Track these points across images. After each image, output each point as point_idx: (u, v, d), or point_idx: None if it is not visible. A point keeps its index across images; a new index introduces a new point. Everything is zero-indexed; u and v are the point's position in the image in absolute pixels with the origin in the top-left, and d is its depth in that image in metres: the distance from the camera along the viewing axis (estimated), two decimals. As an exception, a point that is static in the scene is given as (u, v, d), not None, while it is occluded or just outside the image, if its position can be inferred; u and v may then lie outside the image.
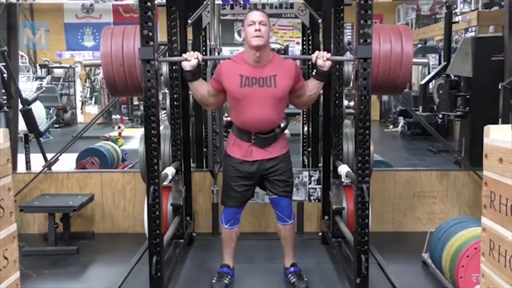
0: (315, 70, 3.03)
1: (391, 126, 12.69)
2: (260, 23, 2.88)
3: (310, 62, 5.02)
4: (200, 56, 2.93)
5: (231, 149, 3.13)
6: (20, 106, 4.70)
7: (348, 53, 4.10)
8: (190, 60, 2.90)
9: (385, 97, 13.05)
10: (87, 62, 3.54)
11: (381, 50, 2.83)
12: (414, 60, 2.95)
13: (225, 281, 3.16)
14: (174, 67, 3.74)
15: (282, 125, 3.19)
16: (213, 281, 3.17)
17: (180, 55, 3.75)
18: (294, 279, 3.18)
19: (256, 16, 2.91)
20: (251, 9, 3.14)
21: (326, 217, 4.04)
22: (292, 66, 3.05)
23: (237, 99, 2.99)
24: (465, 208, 4.29)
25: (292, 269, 3.23)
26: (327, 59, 2.94)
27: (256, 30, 2.87)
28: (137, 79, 2.81)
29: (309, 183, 4.28)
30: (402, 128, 11.55)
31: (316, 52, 2.99)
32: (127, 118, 12.65)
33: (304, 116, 5.55)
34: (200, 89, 3.04)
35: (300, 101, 3.17)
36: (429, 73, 10.63)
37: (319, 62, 2.94)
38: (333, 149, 3.82)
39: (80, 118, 14.83)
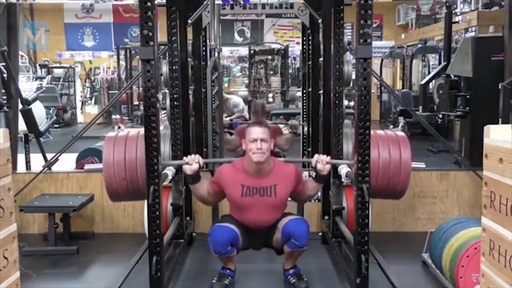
0: (314, 174, 3.12)
1: (391, 126, 12.66)
2: (262, 141, 2.97)
3: (309, 62, 5.03)
4: (201, 160, 3.03)
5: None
6: (20, 106, 4.70)
7: (348, 54, 4.10)
8: (192, 164, 2.98)
9: (385, 97, 13.05)
10: (89, 168, 3.64)
11: (380, 159, 2.90)
12: (413, 165, 3.03)
13: (225, 281, 3.16)
14: (174, 67, 3.74)
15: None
16: (214, 281, 3.17)
17: (180, 56, 3.77)
18: (294, 280, 3.19)
19: (257, 133, 2.99)
20: (253, 123, 3.26)
21: (326, 217, 4.04)
22: (292, 173, 3.13)
23: (238, 206, 3.12)
24: (465, 208, 4.29)
25: (292, 270, 3.23)
26: (327, 163, 3.02)
27: (258, 148, 2.96)
28: (138, 184, 2.86)
29: (309, 183, 4.27)
30: (402, 128, 11.53)
31: (316, 156, 3.06)
32: (127, 118, 12.63)
33: (304, 116, 5.55)
34: (201, 190, 3.15)
35: (299, 199, 3.36)
36: (429, 73, 10.63)
37: (319, 166, 3.02)
38: (333, 149, 3.82)
39: (80, 118, 14.81)
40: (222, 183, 3.11)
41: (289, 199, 3.25)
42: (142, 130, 2.99)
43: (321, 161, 3.01)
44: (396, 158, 2.92)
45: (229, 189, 3.09)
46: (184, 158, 3.06)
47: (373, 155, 2.83)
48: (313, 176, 3.16)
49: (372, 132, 2.86)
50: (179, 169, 3.78)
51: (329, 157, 3.07)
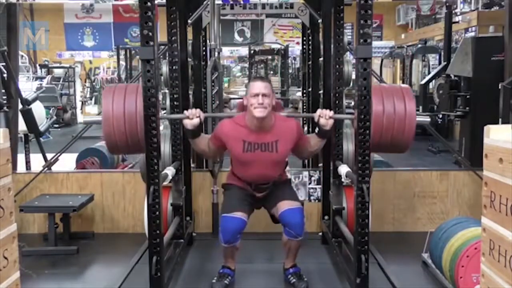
0: (317, 129, 3.07)
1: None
2: (263, 95, 2.93)
3: (309, 62, 5.03)
4: (202, 115, 2.95)
5: (231, 181, 3.23)
6: (20, 106, 4.70)
7: (348, 54, 4.10)
8: (192, 118, 2.91)
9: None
10: (88, 120, 3.58)
11: (385, 110, 2.86)
12: (418, 119, 2.99)
13: (225, 281, 3.16)
14: (174, 67, 3.74)
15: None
16: (213, 281, 3.18)
17: (180, 56, 3.77)
18: (294, 280, 3.19)
19: (259, 88, 2.96)
20: (254, 77, 3.21)
21: (326, 217, 4.04)
22: (293, 128, 3.10)
23: (240, 161, 3.10)
24: (465, 208, 4.29)
25: (292, 270, 3.23)
26: (330, 118, 2.96)
27: (259, 103, 2.92)
28: (137, 138, 2.83)
29: (309, 183, 4.28)
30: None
31: (319, 111, 3.00)
32: (127, 118, 12.61)
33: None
34: (201, 145, 3.10)
35: (301, 155, 3.32)
36: (429, 73, 10.63)
37: (322, 121, 2.96)
38: (333, 149, 3.82)
39: (80, 118, 14.81)
40: (223, 138, 3.06)
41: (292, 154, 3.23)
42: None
43: (324, 116, 2.95)
44: (400, 111, 2.85)
45: (231, 144, 3.05)
46: (185, 112, 2.98)
47: (377, 107, 2.76)
48: (316, 131, 3.10)
49: (376, 85, 2.80)
50: (179, 169, 3.79)
51: (332, 112, 3.00)
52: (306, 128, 5.49)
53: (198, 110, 2.95)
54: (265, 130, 3.03)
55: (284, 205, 3.09)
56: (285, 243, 3.17)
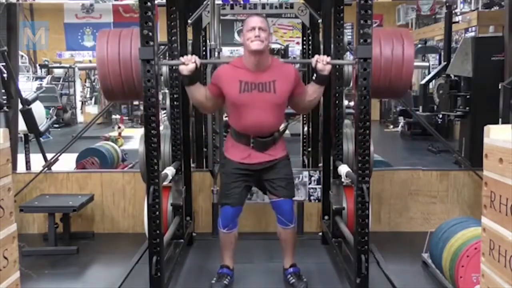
0: (315, 75, 3.01)
1: (391, 126, 12.68)
2: (260, 29, 2.89)
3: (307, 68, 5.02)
4: (198, 60, 2.89)
5: (229, 152, 3.14)
6: (20, 106, 4.70)
7: (348, 54, 4.10)
8: (188, 64, 2.86)
9: (385, 97, 13.05)
10: (82, 66, 3.56)
11: (382, 54, 2.83)
12: (416, 63, 2.95)
13: (225, 282, 3.15)
14: (174, 68, 3.74)
15: (281, 129, 3.19)
16: (213, 281, 3.16)
17: (181, 56, 3.76)
18: (293, 280, 3.18)
19: (255, 21, 2.92)
20: (250, 14, 3.14)
21: (326, 217, 4.04)
22: (291, 71, 3.06)
23: (236, 104, 3.00)
24: (465, 208, 4.29)
25: (291, 269, 3.23)
26: (327, 63, 2.92)
27: (256, 36, 2.88)
28: (133, 83, 2.79)
29: (309, 183, 4.27)
30: (402, 128, 11.55)
31: (316, 56, 2.96)
32: (127, 118, 12.65)
33: (304, 116, 5.55)
34: (198, 93, 3.01)
35: (301, 106, 3.18)
36: (429, 73, 10.63)
37: (319, 66, 2.92)
38: (333, 149, 3.82)
39: (80, 118, 14.81)
40: (220, 83, 3.00)
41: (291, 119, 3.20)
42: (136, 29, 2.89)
43: (322, 61, 2.91)
44: (398, 54, 2.83)
45: (227, 87, 2.98)
46: (180, 58, 2.93)
47: (375, 51, 2.74)
48: (314, 78, 3.05)
49: (375, 28, 2.77)
50: (179, 169, 3.79)
51: (329, 58, 2.96)
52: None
53: (194, 56, 2.91)
54: (262, 69, 2.96)
55: (276, 196, 3.10)
56: (279, 235, 3.19)
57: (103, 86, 2.82)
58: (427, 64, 3.32)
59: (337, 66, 3.77)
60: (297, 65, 5.17)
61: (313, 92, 3.04)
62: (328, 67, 2.93)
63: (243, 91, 2.95)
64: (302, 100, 3.08)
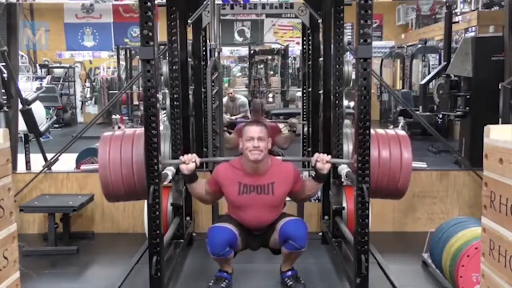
0: (314, 173, 3.08)
1: (391, 126, 12.67)
2: (259, 139, 2.95)
3: (309, 62, 5.03)
4: (198, 160, 2.99)
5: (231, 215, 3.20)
6: (20, 106, 4.70)
7: (348, 54, 4.09)
8: (188, 163, 2.95)
9: (385, 97, 13.05)
10: (85, 168, 3.66)
11: (380, 158, 2.88)
12: (414, 165, 3.00)
13: (222, 284, 3.13)
14: (174, 67, 3.74)
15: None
16: (210, 284, 3.15)
17: (180, 56, 3.77)
18: (291, 282, 3.17)
19: (254, 131, 2.98)
20: (249, 122, 3.27)
21: (326, 217, 4.04)
22: (289, 172, 3.11)
23: (235, 204, 3.10)
24: (465, 208, 4.29)
25: (289, 273, 3.21)
26: (327, 162, 2.98)
27: (254, 147, 2.94)
28: (134, 185, 2.84)
29: (309, 183, 4.26)
30: (402, 128, 11.54)
31: (316, 155, 3.03)
32: (127, 118, 12.63)
33: (304, 116, 5.54)
34: (198, 189, 3.12)
35: (298, 198, 3.32)
36: (429, 73, 10.63)
37: (318, 165, 2.98)
38: (333, 149, 3.82)
39: (80, 118, 14.81)
40: (219, 182, 3.10)
41: (288, 199, 3.23)
42: (138, 130, 2.98)
43: (321, 160, 2.98)
44: (396, 158, 2.89)
45: (227, 187, 3.08)
46: (181, 157, 3.03)
47: (373, 154, 2.82)
48: (313, 175, 3.14)
49: (372, 131, 2.85)
50: (179, 169, 3.78)
51: (329, 156, 3.04)
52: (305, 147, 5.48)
53: (194, 155, 3.00)
54: (261, 173, 3.05)
55: (284, 220, 3.07)
56: (284, 253, 3.15)
57: (104, 188, 2.88)
58: (425, 165, 3.36)
59: (337, 66, 3.77)
60: (297, 64, 5.13)
61: (311, 187, 3.14)
62: (328, 166, 3.00)
63: (242, 193, 3.04)
64: (301, 194, 3.18)
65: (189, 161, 2.96)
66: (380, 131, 3.34)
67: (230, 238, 2.99)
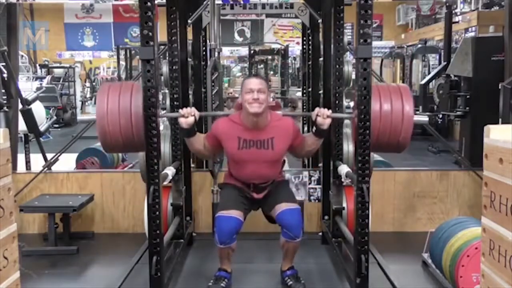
0: (314, 128, 3.04)
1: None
2: (259, 91, 2.92)
3: (309, 62, 5.03)
4: (197, 113, 2.93)
5: (228, 180, 3.19)
6: (20, 106, 4.70)
7: (348, 54, 4.09)
8: (187, 117, 2.90)
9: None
10: (82, 118, 3.61)
11: (382, 110, 2.86)
12: (415, 118, 2.98)
13: (222, 284, 3.13)
14: (174, 67, 3.74)
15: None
16: (210, 284, 3.15)
17: (180, 56, 3.77)
18: (291, 282, 3.17)
19: (254, 83, 2.95)
20: (249, 76, 3.22)
21: (326, 217, 4.04)
22: (289, 127, 3.09)
23: (235, 159, 3.08)
24: (465, 208, 4.29)
25: (289, 272, 3.21)
26: (327, 117, 2.95)
27: (254, 99, 2.91)
28: (132, 136, 2.82)
29: (309, 183, 4.28)
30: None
31: (316, 109, 2.98)
32: (127, 118, 12.60)
33: (304, 116, 5.54)
34: (197, 144, 3.07)
35: (299, 155, 3.29)
36: (429, 73, 10.63)
37: (319, 120, 2.94)
38: (333, 149, 3.82)
39: (80, 118, 14.81)
40: (218, 136, 3.05)
41: (288, 154, 3.20)
42: (136, 82, 2.92)
43: (322, 115, 2.92)
44: (398, 110, 2.84)
45: (226, 142, 3.04)
46: (180, 111, 2.97)
47: (375, 107, 2.76)
48: (313, 130, 3.07)
49: (373, 84, 2.81)
50: (179, 169, 3.79)
51: (329, 111, 2.98)
52: (306, 128, 5.49)
53: (193, 108, 2.94)
54: (261, 128, 3.01)
55: (281, 207, 3.05)
56: (283, 245, 3.15)
57: (102, 140, 2.85)
58: (426, 118, 3.32)
59: (337, 66, 3.77)
60: (297, 63, 5.12)
61: (311, 143, 3.09)
62: (328, 120, 2.95)
63: (242, 148, 3.01)
64: (301, 150, 3.15)
65: (188, 115, 2.89)
66: (382, 84, 3.24)
67: (237, 226, 3.00)
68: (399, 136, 2.85)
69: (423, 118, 3.32)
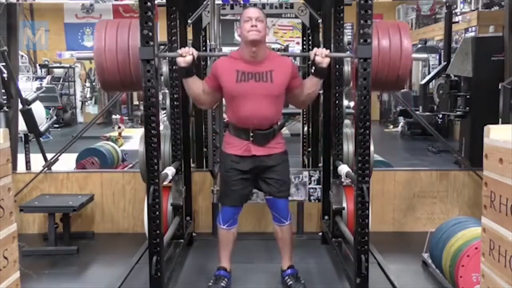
0: (313, 68, 2.98)
1: (391, 126, 12.68)
2: (257, 19, 2.89)
3: (309, 61, 5.02)
4: (195, 52, 2.89)
5: (227, 147, 3.11)
6: (20, 106, 4.70)
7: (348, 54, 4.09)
8: (185, 56, 2.86)
9: (385, 97, 13.06)
10: (80, 56, 3.56)
11: (380, 45, 2.82)
12: (414, 55, 2.93)
13: (222, 284, 3.12)
14: (174, 67, 3.74)
15: (280, 123, 3.18)
16: (210, 284, 3.14)
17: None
18: (291, 282, 3.16)
19: (252, 12, 2.93)
20: (247, 6, 3.18)
21: (326, 217, 4.04)
22: (288, 63, 3.07)
23: (233, 94, 2.98)
24: (465, 208, 4.29)
25: (289, 271, 3.21)
26: (326, 56, 2.90)
27: (252, 26, 2.88)
28: (130, 73, 2.78)
29: (309, 183, 4.27)
30: (402, 128, 11.55)
31: (315, 49, 2.94)
32: (127, 118, 12.64)
33: (304, 116, 5.54)
34: (195, 86, 3.01)
35: (299, 100, 3.15)
36: (429, 73, 10.63)
37: (318, 59, 2.89)
38: (333, 149, 3.82)
39: (80, 118, 14.82)
40: (217, 74, 3.00)
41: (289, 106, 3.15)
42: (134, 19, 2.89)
43: (320, 54, 2.88)
44: (396, 46, 2.81)
45: (224, 77, 2.98)
46: (178, 50, 2.94)
47: (373, 42, 2.73)
48: (312, 71, 3.01)
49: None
50: (179, 169, 3.79)
51: (328, 50, 2.93)
52: (306, 128, 5.48)
53: (191, 48, 2.91)
54: (260, 60, 2.96)
55: (271, 195, 3.10)
56: (276, 234, 3.17)
57: (99, 76, 2.81)
58: (425, 56, 3.29)
59: (337, 66, 3.77)
60: (297, 62, 5.15)
61: (311, 85, 3.02)
62: (327, 59, 2.90)
63: (240, 81, 2.95)
64: (300, 93, 3.06)
65: (186, 54, 2.86)
66: (380, 21, 3.19)
67: (238, 211, 3.15)
68: (398, 71, 2.81)
69: (423, 55, 3.29)
